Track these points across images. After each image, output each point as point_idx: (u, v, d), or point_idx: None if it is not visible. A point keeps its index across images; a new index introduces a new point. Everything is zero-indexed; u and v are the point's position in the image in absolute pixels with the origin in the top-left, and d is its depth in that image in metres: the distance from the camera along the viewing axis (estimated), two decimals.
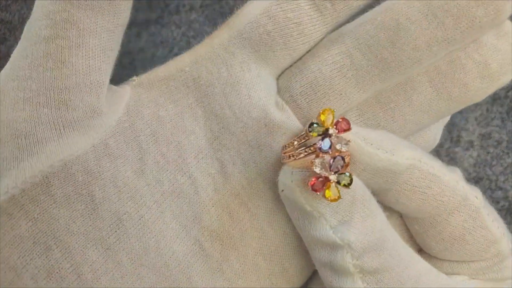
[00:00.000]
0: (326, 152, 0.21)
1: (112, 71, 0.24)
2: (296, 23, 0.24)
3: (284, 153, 0.23)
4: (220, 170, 0.25)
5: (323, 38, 0.26)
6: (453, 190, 0.24)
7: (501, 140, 0.33)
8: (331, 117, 0.22)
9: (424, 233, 0.25)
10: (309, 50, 0.26)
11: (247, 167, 0.25)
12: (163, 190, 0.24)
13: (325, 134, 0.22)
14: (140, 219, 0.23)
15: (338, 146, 0.22)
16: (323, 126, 0.22)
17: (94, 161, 0.23)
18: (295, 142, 0.23)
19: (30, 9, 0.23)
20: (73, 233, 0.22)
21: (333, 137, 0.22)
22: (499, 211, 0.31)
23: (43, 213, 0.22)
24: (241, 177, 0.25)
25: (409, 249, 0.24)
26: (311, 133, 0.22)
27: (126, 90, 0.25)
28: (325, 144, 0.21)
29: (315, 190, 0.21)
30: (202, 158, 0.25)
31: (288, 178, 0.23)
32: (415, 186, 0.23)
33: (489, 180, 0.33)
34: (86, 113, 0.22)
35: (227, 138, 0.25)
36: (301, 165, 0.23)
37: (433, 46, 0.24)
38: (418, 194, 0.23)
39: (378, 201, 0.24)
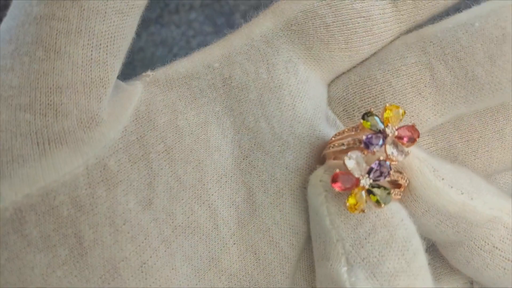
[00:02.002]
0: (371, 151, 0.17)
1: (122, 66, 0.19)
2: (364, 17, 0.19)
3: (330, 142, 0.19)
4: (247, 198, 0.19)
5: (394, 39, 0.20)
6: None
7: None
8: (398, 117, 0.17)
9: None
10: (375, 53, 0.21)
11: (281, 197, 0.19)
12: (174, 225, 0.18)
13: (381, 132, 0.17)
14: (141, 267, 0.18)
15: (389, 151, 0.17)
16: (383, 123, 0.17)
17: (86, 189, 0.17)
18: (344, 132, 0.18)
19: None
20: (51, 287, 0.16)
21: (389, 138, 0.17)
22: None
23: (13, 259, 0.16)
24: (273, 209, 0.19)
25: None
26: (363, 123, 0.17)
27: (137, 89, 0.19)
28: (375, 140, 0.17)
29: (335, 185, 0.16)
30: (226, 182, 0.19)
31: (317, 176, 0.18)
32: (496, 248, 0.18)
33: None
34: (81, 122, 0.17)
35: (260, 159, 0.19)
36: (336, 162, 0.18)
37: None
38: (499, 260, 0.18)
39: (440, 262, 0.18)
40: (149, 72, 0.20)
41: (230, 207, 0.19)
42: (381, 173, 0.16)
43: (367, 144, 0.17)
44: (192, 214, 0.19)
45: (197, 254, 0.19)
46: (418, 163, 0.18)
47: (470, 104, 0.19)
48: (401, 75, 0.19)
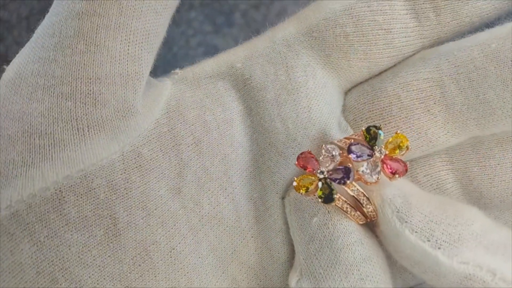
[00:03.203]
0: (348, 157, 0.17)
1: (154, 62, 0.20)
2: (385, 29, 0.19)
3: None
4: (262, 196, 0.20)
5: (416, 53, 0.20)
6: None
7: None
8: (401, 148, 0.17)
9: None
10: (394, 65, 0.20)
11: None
12: (202, 214, 0.19)
13: (370, 148, 0.17)
14: (171, 252, 0.18)
15: (363, 168, 0.17)
16: (381, 145, 0.17)
17: (121, 174, 0.18)
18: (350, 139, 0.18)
19: (28, 8, 0.22)
20: (86, 265, 0.17)
21: (373, 159, 0.17)
22: None
23: (51, 237, 0.17)
24: (284, 210, 0.20)
25: None
26: (363, 131, 0.18)
27: (167, 85, 0.20)
28: (359, 150, 0.17)
29: (298, 164, 0.18)
30: (246, 177, 0.20)
31: (287, 191, 0.19)
32: None
33: None
34: (118, 112, 0.18)
35: (273, 159, 0.20)
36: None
37: None
38: None
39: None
40: (177, 70, 0.21)
41: (249, 201, 0.20)
42: (340, 178, 0.17)
43: (351, 150, 0.17)
44: (218, 205, 0.19)
45: (221, 244, 0.19)
46: (381, 201, 0.17)
47: (482, 127, 0.19)
48: (411, 89, 0.19)
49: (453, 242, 0.16)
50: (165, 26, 0.19)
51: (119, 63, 0.18)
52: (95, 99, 0.18)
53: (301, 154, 0.18)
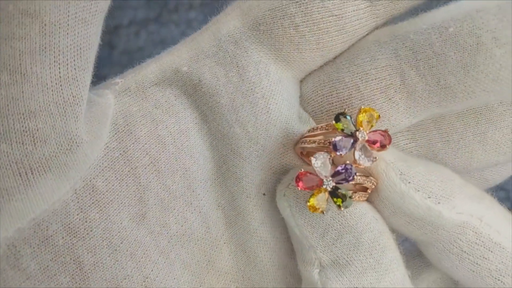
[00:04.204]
0: (339, 154, 0.17)
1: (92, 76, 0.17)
2: (336, 15, 0.18)
3: (301, 137, 0.19)
4: (231, 202, 0.19)
5: (369, 33, 0.19)
6: None
7: None
8: (372, 120, 0.17)
9: None
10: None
11: (262, 197, 0.19)
12: (170, 234, 0.18)
13: (351, 135, 0.17)
14: (145, 281, 0.18)
15: (357, 156, 0.17)
16: (355, 126, 0.17)
17: (78, 214, 0.17)
18: (316, 129, 0.18)
19: None
20: None
21: (358, 142, 0.17)
22: None
23: None
24: (257, 210, 0.19)
25: None
26: (335, 124, 0.17)
27: (109, 100, 0.18)
28: (344, 143, 0.17)
29: (298, 184, 0.17)
30: (211, 185, 0.19)
31: (281, 190, 0.18)
32: (465, 252, 0.18)
33: None
34: (62, 146, 0.16)
35: (238, 165, 0.19)
36: (303, 159, 0.19)
37: None
38: (468, 263, 0.18)
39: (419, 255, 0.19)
40: (117, 79, 0.19)
41: (217, 209, 0.19)
42: (345, 178, 0.17)
43: (336, 147, 0.17)
44: (185, 222, 0.19)
45: (194, 259, 0.19)
46: (385, 166, 0.18)
47: (444, 107, 0.19)
48: (370, 79, 0.18)
49: (449, 196, 0.17)
50: (98, 34, 0.17)
51: (52, 90, 0.15)
52: (33, 137, 0.15)
53: (297, 177, 0.17)
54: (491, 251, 0.18)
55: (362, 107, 0.17)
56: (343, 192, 0.17)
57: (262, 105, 0.18)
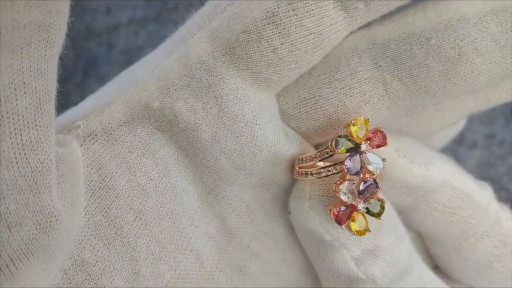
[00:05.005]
0: (356, 174, 0.18)
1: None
2: (315, 33, 0.17)
3: (300, 167, 0.19)
4: (221, 227, 0.19)
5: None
6: (484, 212, 0.20)
7: (504, 140, 0.33)
8: (364, 129, 0.18)
9: (446, 257, 0.22)
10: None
11: (252, 212, 0.20)
12: (165, 283, 0.18)
13: (356, 150, 0.17)
14: None
15: (370, 167, 0.18)
16: (353, 140, 0.18)
17: None
18: (317, 157, 0.18)
19: None
20: None
21: (365, 155, 0.18)
22: None
23: None
24: (248, 226, 0.20)
25: (434, 277, 0.21)
26: (337, 149, 0.17)
27: (76, 152, 0.17)
28: (355, 164, 0.17)
29: (339, 222, 0.18)
30: (198, 219, 0.19)
31: (304, 203, 0.18)
32: (446, 207, 0.20)
33: (492, 181, 0.33)
34: (40, 225, 0.14)
35: (226, 190, 0.19)
36: (322, 187, 0.19)
37: (500, 81, 0.19)
38: (448, 216, 0.20)
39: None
40: (78, 122, 0.17)
41: (208, 240, 0.19)
42: (372, 192, 0.18)
43: (351, 170, 0.17)
44: (178, 266, 0.18)
45: None
46: (387, 149, 0.18)
47: (422, 105, 0.20)
48: (355, 93, 0.18)
49: (434, 163, 0.19)
50: (55, 77, 0.15)
51: (17, 163, 0.14)
52: (6, 222, 0.14)
53: (330, 212, 0.18)
54: (464, 200, 0.20)
55: (353, 121, 0.17)
56: (377, 212, 0.18)
57: (247, 134, 0.18)
